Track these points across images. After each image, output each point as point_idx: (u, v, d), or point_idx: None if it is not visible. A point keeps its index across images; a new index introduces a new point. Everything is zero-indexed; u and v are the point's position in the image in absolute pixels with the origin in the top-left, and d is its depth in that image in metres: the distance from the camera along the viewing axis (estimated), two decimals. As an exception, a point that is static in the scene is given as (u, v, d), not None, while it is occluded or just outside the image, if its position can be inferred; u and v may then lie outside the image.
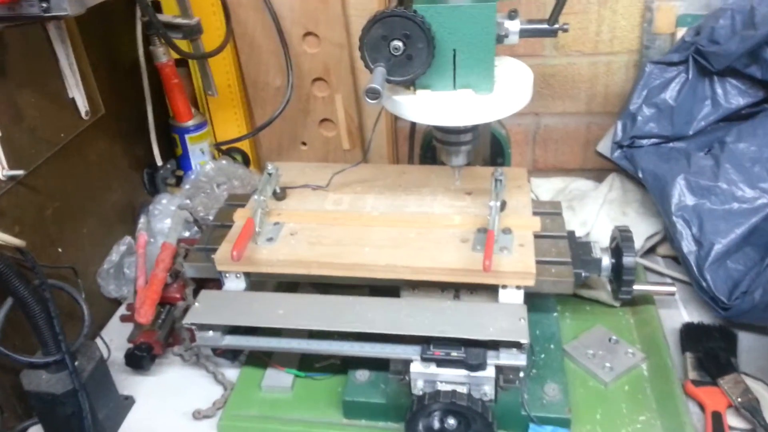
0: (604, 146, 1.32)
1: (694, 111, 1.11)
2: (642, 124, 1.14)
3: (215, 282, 1.01)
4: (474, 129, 0.89)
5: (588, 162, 1.38)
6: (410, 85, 0.85)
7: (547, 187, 1.34)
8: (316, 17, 1.27)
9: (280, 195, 1.10)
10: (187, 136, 1.38)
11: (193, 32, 1.01)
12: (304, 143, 1.44)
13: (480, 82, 0.82)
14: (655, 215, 1.19)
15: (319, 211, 1.06)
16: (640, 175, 1.13)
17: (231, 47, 1.33)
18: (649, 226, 1.20)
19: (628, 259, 0.98)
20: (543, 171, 1.42)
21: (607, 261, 1.01)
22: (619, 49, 1.26)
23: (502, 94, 0.83)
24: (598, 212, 1.21)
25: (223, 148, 1.41)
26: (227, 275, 0.99)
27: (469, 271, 0.90)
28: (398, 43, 0.77)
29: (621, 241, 1.00)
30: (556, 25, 0.85)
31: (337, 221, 1.03)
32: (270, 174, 1.06)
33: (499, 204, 0.94)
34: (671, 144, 1.15)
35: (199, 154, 1.40)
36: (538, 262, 0.92)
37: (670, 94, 1.11)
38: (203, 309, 0.91)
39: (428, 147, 1.24)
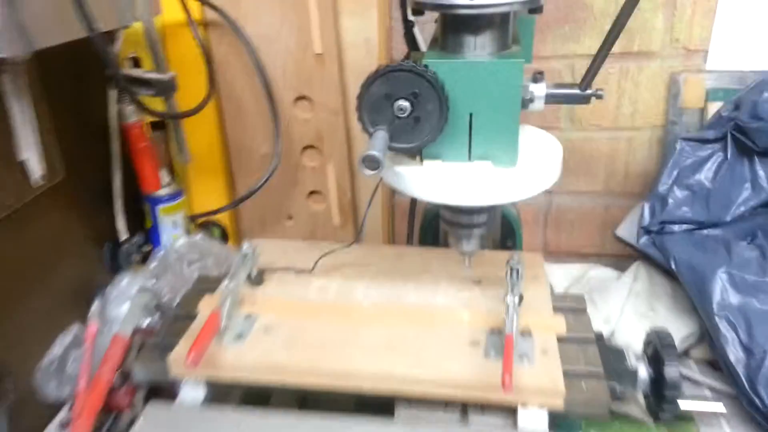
0: (625, 230, 1.18)
1: (732, 194, 0.97)
2: (674, 208, 1.00)
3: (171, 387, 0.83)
4: (490, 210, 0.75)
5: (606, 247, 1.24)
6: (416, 154, 0.71)
7: (561, 275, 1.18)
8: (311, 80, 1.15)
9: (256, 279, 0.94)
10: (158, 207, 1.23)
11: (166, 89, 0.88)
12: (290, 217, 1.29)
13: (501, 154, 0.68)
14: (689, 312, 1.04)
15: (301, 301, 0.90)
16: (673, 266, 0.98)
17: (215, 109, 1.21)
18: (681, 326, 1.04)
19: (671, 371, 0.82)
20: (555, 255, 1.28)
21: (644, 372, 0.85)
22: (641, 124, 1.14)
23: (528, 169, 0.69)
24: (623, 307, 1.05)
25: (199, 221, 1.26)
26: (184, 381, 0.82)
27: (482, 386, 0.73)
28: (404, 104, 0.64)
29: (661, 348, 0.84)
30: (589, 91, 0.72)
31: (322, 315, 0.86)
32: (245, 255, 0.90)
33: (517, 300, 0.78)
34: (706, 231, 1.01)
35: (171, 227, 1.25)
36: (565, 375, 0.75)
37: (705, 175, 0.98)
38: (146, 429, 0.73)
39: (429, 226, 1.10)
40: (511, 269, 0.83)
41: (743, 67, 1.06)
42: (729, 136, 0.97)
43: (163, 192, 1.22)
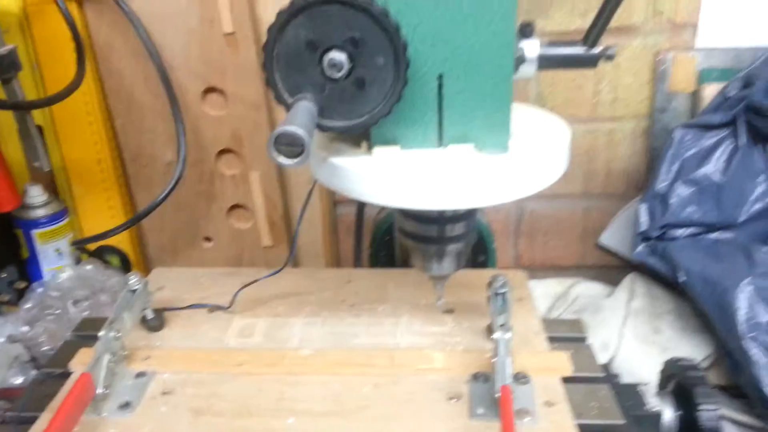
0: (610, 238, 1.00)
1: (746, 189, 0.80)
2: (677, 208, 0.82)
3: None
4: (470, 217, 0.54)
5: (588, 257, 1.06)
6: (361, 136, 0.49)
7: (540, 293, 0.99)
8: (222, 67, 0.92)
9: (153, 322, 0.69)
10: (34, 232, 0.97)
11: (2, 67, 0.63)
12: (208, 238, 1.05)
13: (486, 133, 0.48)
14: (699, 331, 0.86)
15: (215, 351, 0.66)
16: (682, 279, 0.80)
17: (101, 107, 0.96)
18: (692, 348, 0.86)
19: (707, 415, 0.63)
20: (529, 270, 1.08)
21: (670, 415, 0.66)
22: (623, 114, 0.97)
23: (525, 154, 0.49)
24: (622, 330, 0.86)
25: (90, 247, 0.99)
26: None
27: (473, 462, 0.52)
28: (339, 57, 0.42)
29: (690, 386, 0.65)
30: (597, 49, 0.52)
31: (244, 368, 0.63)
32: (133, 291, 0.66)
33: (508, 336, 0.58)
34: (715, 234, 0.83)
35: (54, 256, 0.99)
36: (580, 434, 0.55)
37: (713, 168, 0.82)
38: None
39: (382, 241, 0.88)
40: (496, 294, 0.63)
41: (739, 42, 0.90)
42: (739, 119, 0.80)
43: (39, 213, 0.96)
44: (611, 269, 1.03)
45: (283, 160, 0.39)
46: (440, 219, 0.53)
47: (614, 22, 0.91)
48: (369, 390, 0.60)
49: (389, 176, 0.46)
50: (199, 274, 0.82)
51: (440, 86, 0.46)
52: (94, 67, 0.94)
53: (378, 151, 0.48)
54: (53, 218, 0.97)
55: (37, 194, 0.96)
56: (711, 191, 0.82)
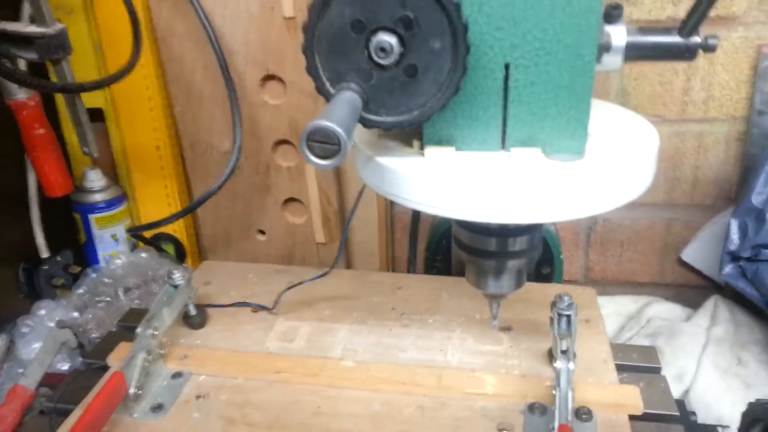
0: (693, 254, 0.91)
1: None
2: (775, 226, 0.72)
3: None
4: (535, 231, 0.48)
5: (666, 275, 0.96)
6: (413, 134, 0.44)
7: (610, 311, 0.91)
8: (281, 54, 0.89)
9: (195, 320, 0.67)
10: (92, 217, 0.97)
11: (51, 48, 0.62)
12: (261, 231, 1.02)
13: (559, 136, 0.41)
14: (791, 367, 0.76)
15: (254, 355, 0.63)
16: (775, 306, 0.71)
17: (162, 93, 0.94)
18: (782, 384, 0.76)
19: (800, 471, 0.54)
20: (600, 284, 1.00)
21: (753, 466, 0.57)
22: (716, 115, 0.87)
23: (604, 163, 0.42)
24: (700, 359, 0.77)
25: (146, 235, 0.99)
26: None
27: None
28: (388, 40, 0.37)
29: (781, 434, 0.56)
30: (696, 38, 0.45)
31: (282, 375, 0.59)
32: (175, 286, 0.63)
33: (571, 366, 0.51)
34: (817, 257, 0.73)
35: (110, 242, 0.99)
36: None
37: (822, 181, 0.71)
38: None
39: (438, 246, 0.83)
40: (560, 316, 0.56)
41: None
42: None
43: (97, 197, 0.96)
44: (692, 289, 0.93)
45: (315, 159, 0.34)
46: (500, 231, 0.47)
47: (711, 12, 0.82)
48: (412, 412, 0.55)
49: (441, 182, 0.41)
50: (247, 270, 0.79)
51: (506, 78, 0.40)
52: (155, 51, 0.92)
53: (430, 152, 0.43)
54: (111, 203, 0.97)
55: (95, 179, 0.96)
56: (817, 209, 0.72)
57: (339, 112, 0.35)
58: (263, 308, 0.70)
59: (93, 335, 0.85)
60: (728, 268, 0.77)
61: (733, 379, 0.76)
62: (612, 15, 0.44)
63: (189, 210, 0.91)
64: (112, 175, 1.01)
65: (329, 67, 0.39)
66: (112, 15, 0.88)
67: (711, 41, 0.46)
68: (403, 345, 0.64)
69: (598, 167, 0.41)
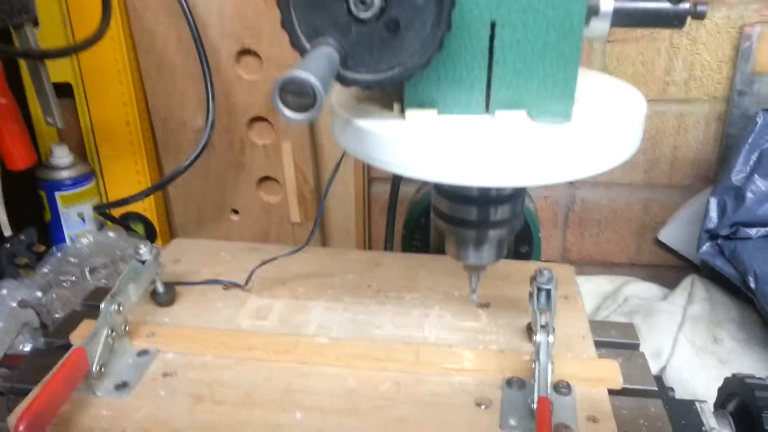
0: (671, 234, 0.91)
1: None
2: (753, 204, 0.72)
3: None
4: (517, 198, 0.46)
5: (643, 255, 0.96)
6: (393, 97, 0.42)
7: (587, 291, 0.90)
8: (258, 28, 0.86)
9: (163, 297, 0.64)
10: (58, 194, 0.93)
11: (13, 11, 0.58)
12: (235, 211, 1.00)
13: (545, 99, 0.40)
14: (765, 344, 0.77)
15: (224, 332, 0.60)
16: (752, 284, 0.71)
17: (132, 66, 0.91)
18: (756, 362, 0.76)
19: (777, 444, 0.54)
20: (576, 265, 0.99)
21: (729, 440, 0.57)
22: (697, 95, 0.86)
23: (591, 125, 0.41)
24: (677, 337, 0.77)
25: (115, 214, 0.96)
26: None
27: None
28: (369, -7, 0.35)
29: (758, 408, 0.56)
30: (685, 4, 0.43)
31: (252, 354, 0.57)
32: (142, 262, 0.61)
33: (551, 339, 0.50)
34: (794, 236, 0.73)
35: (76, 221, 0.96)
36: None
37: (800, 159, 0.70)
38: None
39: (416, 224, 0.81)
40: (539, 290, 0.55)
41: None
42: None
43: (63, 174, 0.93)
44: (669, 270, 0.93)
45: (289, 112, 0.32)
46: (481, 199, 0.45)
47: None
48: (388, 388, 0.53)
49: (423, 144, 0.39)
50: (219, 248, 0.77)
51: (492, 37, 0.38)
52: (126, 23, 0.89)
53: (411, 114, 0.41)
54: (78, 181, 0.94)
55: (62, 155, 0.93)
56: (796, 187, 0.72)
57: (314, 64, 0.33)
58: (235, 285, 0.68)
59: (57, 315, 0.82)
60: (706, 247, 0.77)
61: (708, 357, 0.76)
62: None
63: (158, 187, 0.88)
64: (80, 151, 0.98)
65: (305, 20, 0.37)
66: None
67: (701, 8, 0.44)
68: (380, 322, 0.62)
69: (585, 130, 0.40)
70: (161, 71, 0.91)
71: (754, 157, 0.74)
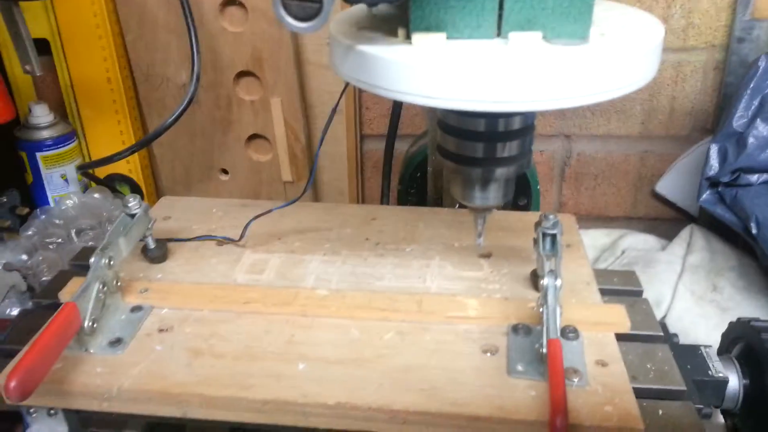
0: (668, 186, 0.90)
1: (840, 130, 0.68)
2: (755, 150, 0.71)
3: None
4: (526, 133, 0.44)
5: (640, 208, 0.95)
6: (398, 22, 0.40)
7: (585, 244, 0.89)
8: (242, -25, 0.83)
9: (155, 253, 0.62)
10: (39, 155, 0.90)
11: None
12: (224, 171, 0.97)
13: (562, 19, 0.37)
14: (764, 291, 0.76)
15: (220, 286, 0.59)
16: (754, 231, 0.70)
17: (111, 21, 0.87)
18: (756, 309, 0.76)
19: (782, 385, 0.54)
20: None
21: (735, 383, 0.57)
22: (695, 43, 0.85)
23: (609, 46, 0.39)
24: (676, 286, 0.77)
25: (99, 175, 0.93)
26: (29, 415, 0.51)
27: (511, 423, 0.44)
28: None
29: (765, 350, 0.56)
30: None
31: (251, 307, 0.56)
32: (132, 215, 0.58)
33: (558, 283, 0.49)
34: (794, 182, 0.72)
35: (59, 183, 0.92)
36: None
37: (803, 102, 0.69)
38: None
39: (412, 178, 0.79)
40: (545, 235, 0.54)
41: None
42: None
43: (44, 134, 0.89)
44: (666, 222, 0.92)
45: (291, 20, 0.30)
46: (489, 134, 0.43)
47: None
48: (391, 337, 0.52)
49: (432, 67, 0.36)
50: (210, 205, 0.75)
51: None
52: (102, -27, 0.85)
53: (418, 38, 0.39)
54: (59, 141, 0.90)
55: (42, 114, 0.89)
56: (798, 131, 0.71)
57: None
58: (229, 240, 0.66)
59: (44, 278, 0.79)
60: (706, 195, 0.76)
61: (708, 305, 0.76)
62: None
63: (143, 144, 0.85)
64: (61, 111, 0.94)
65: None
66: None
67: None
68: (380, 274, 0.60)
69: (603, 51, 0.38)
70: (142, 24, 0.87)
71: (755, 102, 0.72)
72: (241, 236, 0.65)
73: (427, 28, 0.38)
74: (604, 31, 0.39)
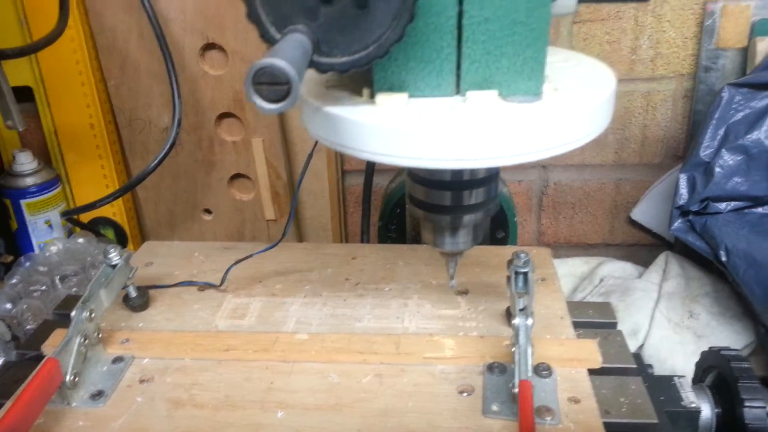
0: (643, 213, 0.92)
1: (803, 158, 0.71)
2: (722, 179, 0.73)
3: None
4: (491, 181, 0.46)
5: (617, 235, 0.97)
6: (362, 82, 0.41)
7: (564, 273, 0.91)
8: (221, 21, 0.85)
9: (136, 302, 0.63)
10: (23, 202, 0.91)
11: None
12: (207, 210, 0.98)
13: (515, 76, 0.39)
14: (739, 316, 0.78)
15: (201, 334, 0.59)
16: (723, 258, 0.72)
17: (93, 67, 0.89)
18: (731, 334, 0.78)
19: (753, 413, 0.55)
20: (553, 248, 1.00)
21: (708, 413, 0.58)
22: (664, 72, 0.87)
23: (561, 102, 0.40)
24: (653, 314, 0.78)
25: (84, 220, 0.93)
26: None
27: (486, 468, 0.45)
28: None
29: (734, 379, 0.57)
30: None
31: (231, 354, 0.56)
32: (113, 266, 0.59)
33: (530, 323, 0.50)
34: (762, 209, 0.74)
35: (44, 229, 0.93)
36: (610, 436, 0.48)
37: (767, 132, 0.71)
38: None
39: (392, 215, 0.81)
40: (517, 274, 0.55)
41: (798, -10, 0.80)
42: (799, 76, 0.70)
43: (27, 181, 0.90)
44: (643, 248, 0.94)
45: (263, 103, 0.31)
46: (455, 184, 0.45)
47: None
48: (370, 381, 0.53)
49: (395, 128, 0.38)
50: (192, 249, 0.76)
51: (460, 14, 0.38)
52: (85, 22, 0.87)
53: (382, 99, 0.40)
54: (43, 187, 0.91)
55: (25, 161, 0.90)
56: (762, 160, 0.73)
57: (286, 51, 0.32)
58: (211, 286, 0.67)
59: (29, 326, 0.80)
60: (677, 223, 0.78)
61: (685, 332, 0.77)
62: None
63: (126, 190, 0.86)
64: (44, 157, 0.96)
65: (272, 10, 0.36)
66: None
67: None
68: (359, 315, 0.61)
69: (556, 108, 0.40)
70: (124, 70, 0.89)
71: (721, 132, 0.75)
72: (222, 282, 0.66)
73: (390, 89, 0.40)
74: (558, 86, 0.41)
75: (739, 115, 0.74)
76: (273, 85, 0.31)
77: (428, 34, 0.38)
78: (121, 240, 0.98)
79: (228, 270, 0.66)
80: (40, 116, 0.94)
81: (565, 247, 0.99)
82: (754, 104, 0.73)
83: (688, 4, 0.83)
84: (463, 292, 0.64)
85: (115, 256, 0.59)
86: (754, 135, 0.72)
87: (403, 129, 0.38)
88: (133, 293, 0.63)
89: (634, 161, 0.92)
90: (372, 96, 0.40)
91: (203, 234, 0.99)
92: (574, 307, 0.65)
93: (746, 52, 0.81)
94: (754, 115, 0.73)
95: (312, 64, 0.36)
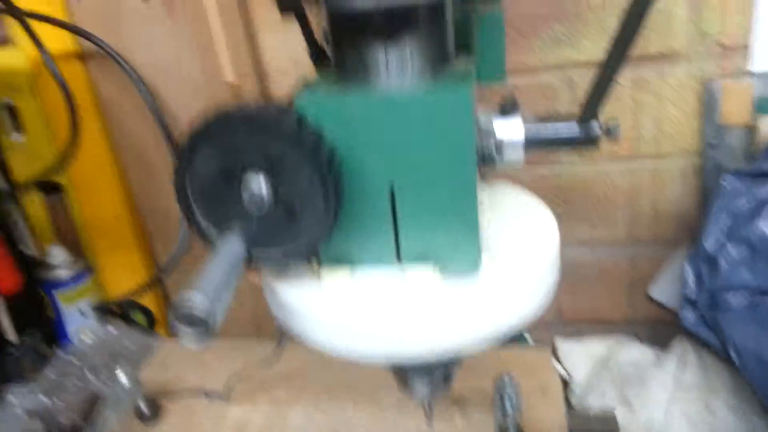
0: (661, 290, 0.89)
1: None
2: (729, 272, 0.71)
3: None
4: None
5: (637, 310, 0.95)
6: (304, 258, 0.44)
7: (580, 355, 0.90)
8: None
9: (146, 417, 0.67)
10: (56, 293, 0.97)
11: None
12: (229, 294, 1.02)
13: (452, 252, 0.40)
14: (760, 413, 0.75)
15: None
16: (733, 355, 0.70)
17: (115, 163, 0.95)
18: (749, 431, 0.75)
19: None
20: (573, 324, 0.99)
21: None
22: (669, 150, 0.86)
23: (502, 277, 0.41)
24: (669, 407, 0.76)
25: (114, 308, 0.99)
26: None
27: None
28: (256, 190, 0.37)
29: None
30: (596, 128, 0.44)
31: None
32: (123, 387, 0.63)
33: (507, 459, 0.51)
34: (774, 298, 0.71)
35: (78, 317, 0.99)
36: None
37: (770, 223, 0.69)
38: None
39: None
40: (501, 398, 0.55)
41: (805, 65, 0.77)
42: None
43: (61, 274, 0.96)
44: (664, 324, 0.92)
45: (185, 341, 0.34)
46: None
47: (654, 48, 0.81)
48: None
49: (334, 322, 0.41)
50: (200, 350, 0.79)
51: (392, 198, 0.39)
52: (105, 126, 0.93)
53: (326, 276, 0.42)
54: (75, 279, 0.97)
55: (58, 254, 0.96)
56: (767, 250, 0.70)
57: (211, 276, 0.35)
58: (216, 396, 0.70)
59: (64, 423, 0.85)
60: (689, 316, 0.76)
61: (702, 428, 0.75)
62: (507, 109, 0.44)
63: (152, 284, 0.91)
64: (76, 247, 1.02)
65: (207, 213, 0.39)
66: (55, 93, 0.89)
67: (612, 125, 0.45)
68: (354, 426, 0.63)
69: (497, 282, 0.40)
70: (142, 167, 0.94)
71: (723, 222, 0.73)
72: (227, 394, 0.69)
73: (335, 260, 0.42)
74: (495, 253, 0.42)
75: (742, 204, 0.72)
76: (191, 324, 0.34)
77: (365, 214, 0.40)
78: (151, 323, 1.03)
79: (232, 385, 0.69)
80: (71, 209, 1.00)
81: (586, 323, 0.98)
82: (757, 193, 0.71)
83: (688, 82, 0.81)
84: (458, 402, 0.65)
85: (123, 379, 0.63)
86: (759, 225, 0.70)
87: (342, 325, 0.40)
88: (144, 408, 0.66)
89: (648, 237, 0.91)
90: (319, 268, 0.42)
91: (229, 314, 1.02)
92: (577, 416, 0.64)
93: (751, 129, 0.79)
94: (758, 204, 0.71)
95: (250, 259, 0.39)
